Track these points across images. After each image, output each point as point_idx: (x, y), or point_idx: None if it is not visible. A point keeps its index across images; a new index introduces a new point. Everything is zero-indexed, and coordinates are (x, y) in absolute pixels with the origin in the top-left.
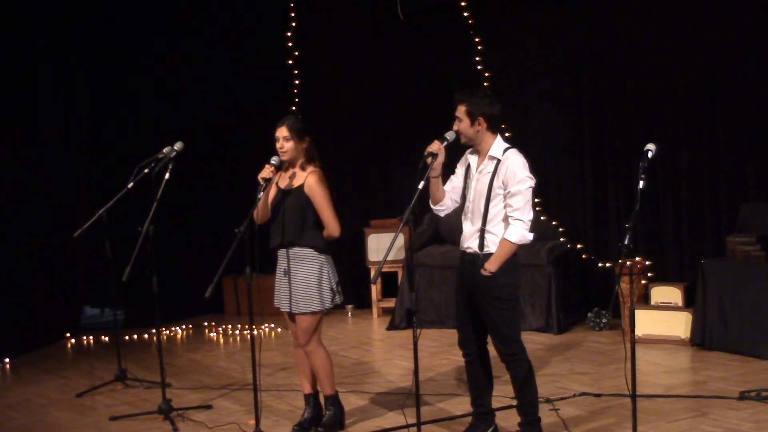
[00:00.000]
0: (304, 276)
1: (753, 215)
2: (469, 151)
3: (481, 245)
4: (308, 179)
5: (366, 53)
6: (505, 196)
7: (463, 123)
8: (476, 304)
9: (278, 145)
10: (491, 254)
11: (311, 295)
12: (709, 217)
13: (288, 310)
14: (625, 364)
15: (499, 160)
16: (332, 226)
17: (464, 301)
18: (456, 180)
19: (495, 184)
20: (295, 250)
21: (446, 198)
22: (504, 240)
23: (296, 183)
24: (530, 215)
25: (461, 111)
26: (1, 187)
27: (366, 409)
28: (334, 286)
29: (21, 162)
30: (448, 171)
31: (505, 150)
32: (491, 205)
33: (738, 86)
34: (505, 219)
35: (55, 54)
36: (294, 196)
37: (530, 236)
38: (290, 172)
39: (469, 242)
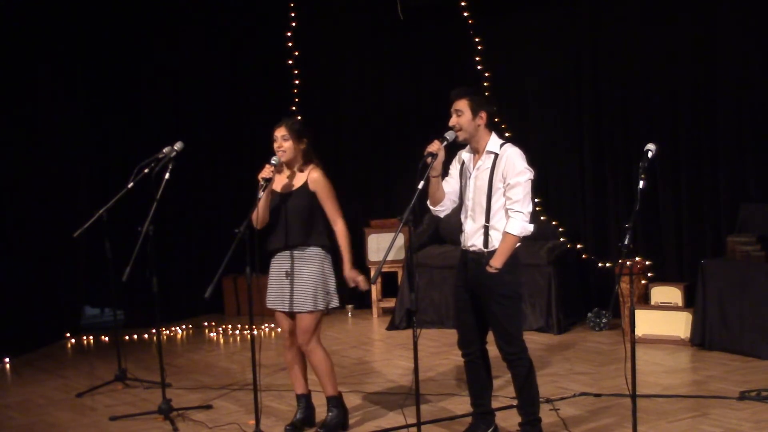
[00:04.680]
0: (309, 274)
1: (753, 215)
2: (462, 150)
3: (486, 242)
4: (312, 174)
5: (366, 53)
6: (504, 189)
7: (464, 116)
8: (481, 303)
9: (276, 145)
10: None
11: (314, 294)
12: (709, 217)
13: (288, 310)
14: (625, 364)
15: (497, 155)
16: (339, 218)
17: (466, 300)
18: (452, 180)
19: (495, 178)
20: (302, 250)
21: (446, 198)
22: (506, 233)
23: (297, 184)
24: (530, 207)
25: (463, 104)
26: (1, 187)
27: (366, 409)
28: (335, 287)
29: (21, 162)
30: (445, 172)
31: (502, 145)
32: (493, 200)
33: (738, 86)
34: (507, 212)
35: (55, 54)
36: (297, 197)
37: (531, 227)
38: (286, 174)
39: (473, 240)
